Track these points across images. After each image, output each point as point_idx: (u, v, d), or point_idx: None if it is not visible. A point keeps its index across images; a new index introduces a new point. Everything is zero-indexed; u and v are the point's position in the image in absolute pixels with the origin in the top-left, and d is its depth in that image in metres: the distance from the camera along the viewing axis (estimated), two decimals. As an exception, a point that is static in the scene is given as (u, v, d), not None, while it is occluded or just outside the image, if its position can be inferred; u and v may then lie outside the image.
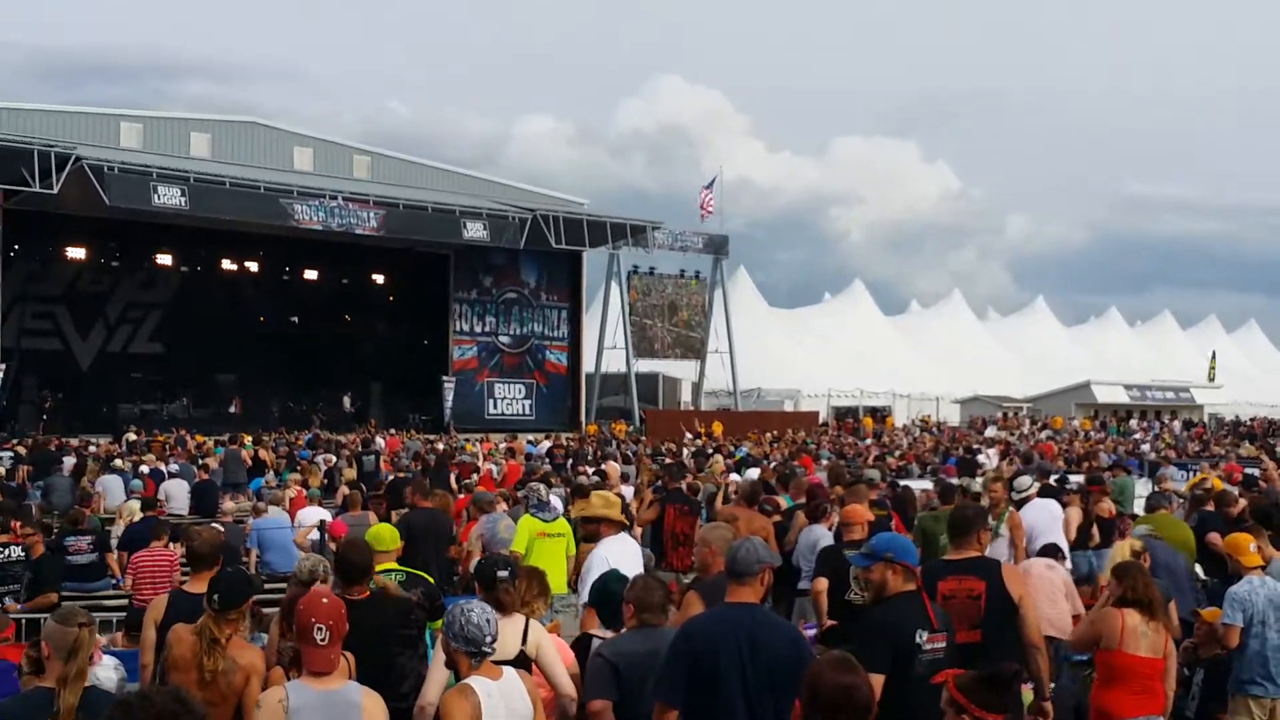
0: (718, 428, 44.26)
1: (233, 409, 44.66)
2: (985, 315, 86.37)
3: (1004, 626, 6.66)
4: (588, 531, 9.83)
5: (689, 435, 39.82)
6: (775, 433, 41.52)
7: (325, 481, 22.52)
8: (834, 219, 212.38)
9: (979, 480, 13.86)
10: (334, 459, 27.38)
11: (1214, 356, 76.22)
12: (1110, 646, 6.95)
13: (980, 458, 28.46)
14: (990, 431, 49.12)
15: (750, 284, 69.67)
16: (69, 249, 42.82)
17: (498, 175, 51.98)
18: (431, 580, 8.08)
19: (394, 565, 7.88)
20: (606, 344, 52.23)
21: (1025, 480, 13.38)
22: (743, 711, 5.26)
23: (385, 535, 8.07)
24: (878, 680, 5.40)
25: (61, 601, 11.42)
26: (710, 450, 28.81)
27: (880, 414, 59.77)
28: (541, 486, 12.02)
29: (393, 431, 39.92)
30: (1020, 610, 6.72)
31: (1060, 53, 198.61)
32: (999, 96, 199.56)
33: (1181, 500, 15.70)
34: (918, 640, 5.77)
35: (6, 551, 12.50)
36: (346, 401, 47.23)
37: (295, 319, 50.76)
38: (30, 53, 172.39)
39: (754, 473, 19.83)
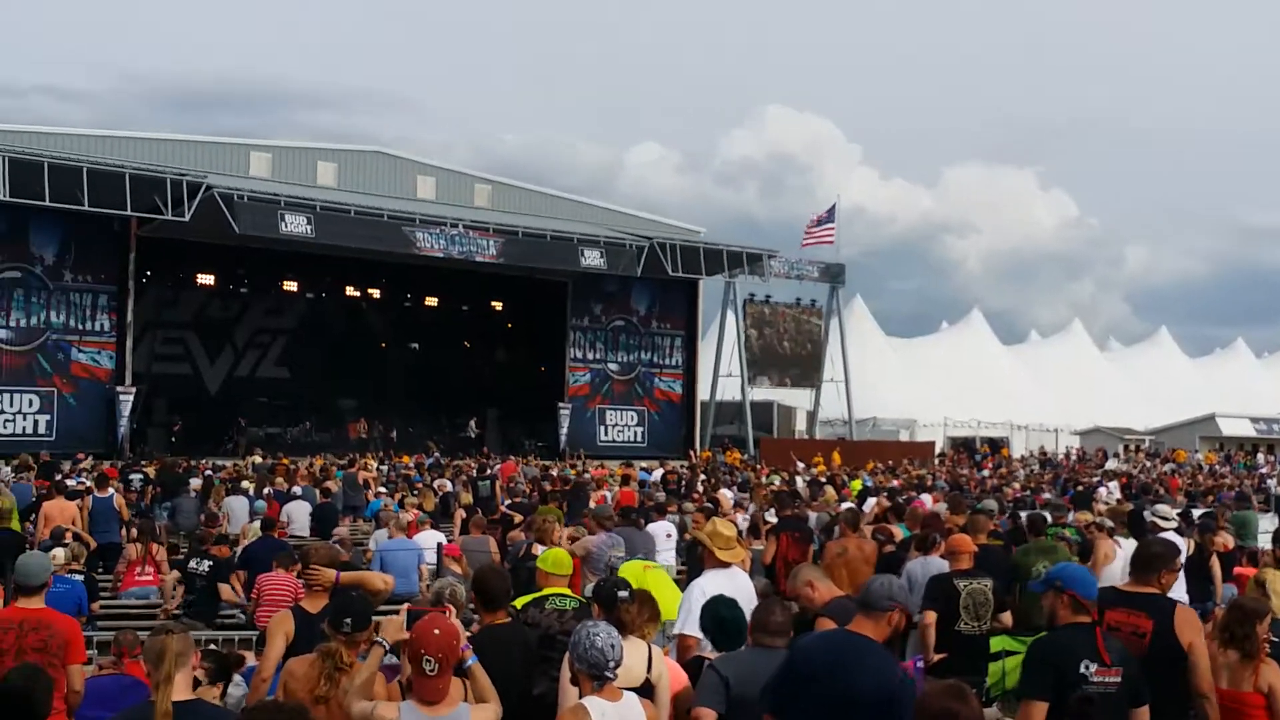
0: (838, 458, 43.89)
1: (353, 433, 45.33)
2: (1107, 345, 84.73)
3: (1167, 669, 6.41)
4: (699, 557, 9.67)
5: (800, 465, 39.57)
6: (890, 463, 41.08)
7: (440, 505, 22.75)
8: (949, 247, 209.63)
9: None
10: (449, 484, 27.60)
11: (1344, 389, 73.82)
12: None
13: (1101, 490, 27.89)
14: (1111, 464, 48.12)
15: (866, 313, 69.07)
16: (199, 275, 43.99)
17: (613, 203, 52.22)
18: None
19: (566, 590, 7.69)
20: (721, 372, 52.18)
21: (1166, 509, 13.17)
22: None
23: (561, 560, 7.94)
24: (1040, 708, 5.60)
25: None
26: (824, 480, 28.60)
27: (997, 444, 58.84)
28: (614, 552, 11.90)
29: (512, 456, 40.17)
30: (1190, 658, 6.45)
31: (1180, 81, 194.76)
32: (1118, 124, 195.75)
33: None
34: (1083, 670, 5.69)
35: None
36: (473, 425, 47.63)
37: (415, 345, 51.49)
38: (160, 83, 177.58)
39: (872, 501, 19.62)
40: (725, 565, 8.47)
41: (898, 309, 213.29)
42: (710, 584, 8.09)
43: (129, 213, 34.23)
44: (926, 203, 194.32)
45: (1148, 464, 48.27)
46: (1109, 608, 6.55)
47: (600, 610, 6.67)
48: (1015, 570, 10.95)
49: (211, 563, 14.40)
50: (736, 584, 8.27)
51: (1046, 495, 27.98)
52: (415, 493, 24.19)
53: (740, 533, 11.74)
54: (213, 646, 8.85)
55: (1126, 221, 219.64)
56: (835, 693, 5.27)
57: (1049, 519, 13.06)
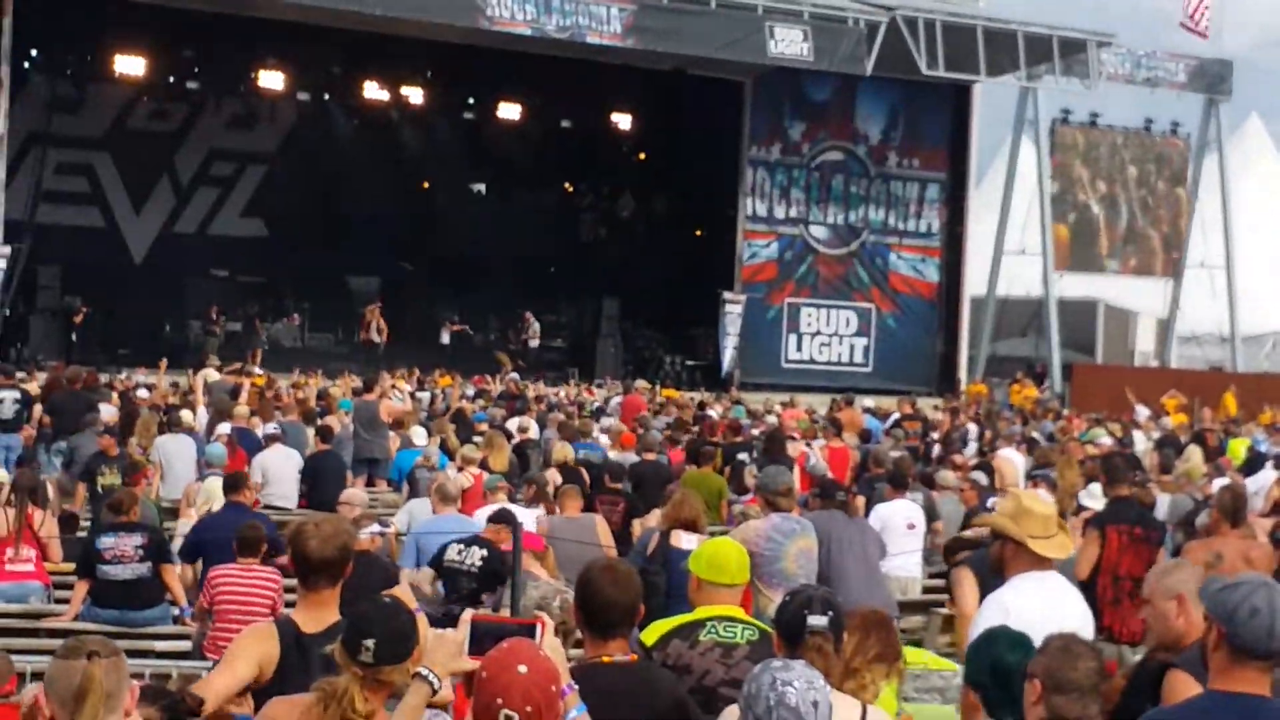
0: (1231, 402, 43.29)
1: (374, 335, 45.57)
2: None
3: None
4: (992, 559, 9.34)
5: (1143, 411, 39.11)
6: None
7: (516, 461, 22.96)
8: None
9: None
10: (534, 427, 27.75)
11: None
12: None
13: None
14: None
15: (1269, 145, 67.89)
16: (118, 58, 44.00)
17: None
18: None
19: (735, 611, 7.63)
20: (1009, 247, 51.83)
21: None
22: None
23: (726, 558, 7.78)
24: None
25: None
26: (1185, 438, 28.34)
27: None
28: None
29: (640, 383, 39.90)
30: None
31: None
32: None
33: None
34: None
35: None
36: (530, 328, 46.53)
37: (480, 188, 51.99)
38: None
39: (1268, 476, 19.46)
40: (1043, 564, 8.23)
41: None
42: (1017, 600, 7.91)
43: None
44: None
45: None
46: None
47: (784, 644, 6.69)
48: None
49: (143, 539, 14.73)
50: (1062, 601, 8.11)
51: None
52: (476, 439, 24.40)
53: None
54: (148, 680, 9.05)
55: None
56: None
57: None
